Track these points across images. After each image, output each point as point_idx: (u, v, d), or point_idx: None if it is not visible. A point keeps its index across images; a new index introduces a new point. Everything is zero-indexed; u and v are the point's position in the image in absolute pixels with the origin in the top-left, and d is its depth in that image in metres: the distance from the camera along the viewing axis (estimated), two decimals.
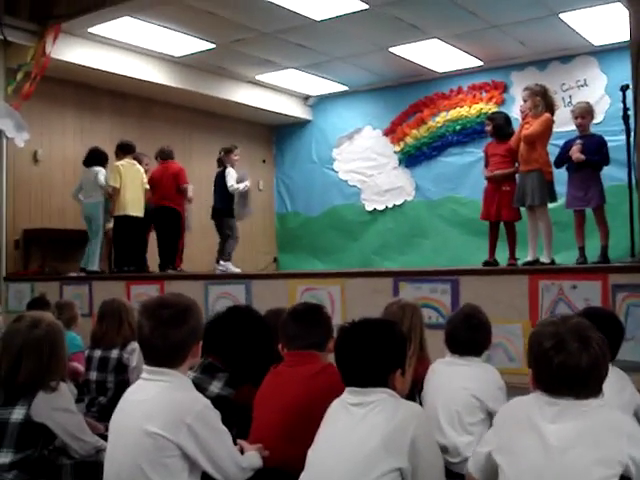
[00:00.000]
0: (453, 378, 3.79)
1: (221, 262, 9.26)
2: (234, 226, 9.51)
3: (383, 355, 2.75)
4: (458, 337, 3.91)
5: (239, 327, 3.76)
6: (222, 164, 9.62)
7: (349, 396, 2.76)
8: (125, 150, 9.31)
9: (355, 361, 2.76)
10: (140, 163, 9.47)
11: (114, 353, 5.11)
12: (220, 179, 9.50)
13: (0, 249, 9.41)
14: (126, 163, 9.17)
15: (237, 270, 9.21)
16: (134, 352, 4.98)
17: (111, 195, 9.12)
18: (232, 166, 9.54)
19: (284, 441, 3.12)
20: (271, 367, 3.53)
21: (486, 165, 7.59)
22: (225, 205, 9.44)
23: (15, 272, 9.64)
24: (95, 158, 9.38)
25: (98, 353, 5.19)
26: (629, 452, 2.29)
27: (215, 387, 3.47)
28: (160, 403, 2.67)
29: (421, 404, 3.84)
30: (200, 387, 3.13)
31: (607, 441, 2.32)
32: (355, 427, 2.65)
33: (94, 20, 8.84)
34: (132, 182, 9.14)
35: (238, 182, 9.36)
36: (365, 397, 2.69)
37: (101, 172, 9.21)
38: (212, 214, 9.63)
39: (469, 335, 3.89)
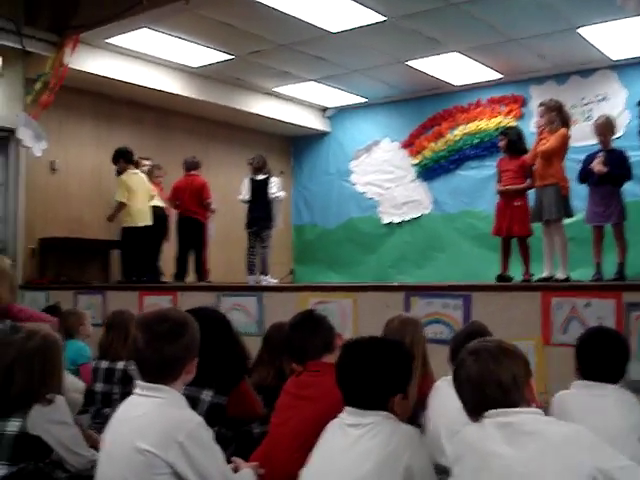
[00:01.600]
0: (456, 397, 3.71)
1: (264, 277, 9.15)
2: (271, 237, 9.42)
3: (385, 378, 2.70)
4: None
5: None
6: (261, 172, 9.37)
7: (347, 416, 2.71)
8: (128, 158, 9.38)
9: (355, 381, 2.72)
10: (137, 167, 9.56)
11: (120, 365, 5.10)
12: (262, 187, 9.29)
13: (16, 257, 9.42)
14: (131, 174, 9.24)
15: (275, 281, 9.29)
16: None
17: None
18: None
19: (298, 452, 3.06)
20: (292, 376, 3.52)
21: (499, 180, 7.54)
22: (266, 215, 9.30)
23: (31, 280, 9.67)
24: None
25: (105, 364, 5.19)
26: (595, 465, 2.21)
27: (207, 396, 3.41)
28: (152, 420, 2.63)
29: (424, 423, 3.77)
30: (191, 399, 3.07)
31: (570, 458, 2.24)
32: (350, 449, 2.60)
33: (112, 31, 8.87)
34: (138, 192, 9.20)
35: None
36: (362, 419, 2.65)
37: None
38: (250, 224, 9.39)
39: None
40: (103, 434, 2.81)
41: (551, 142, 6.90)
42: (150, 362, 2.73)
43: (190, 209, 9.56)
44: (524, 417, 2.35)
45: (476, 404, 2.44)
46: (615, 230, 6.91)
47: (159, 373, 2.73)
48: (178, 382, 2.79)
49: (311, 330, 3.53)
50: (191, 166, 9.78)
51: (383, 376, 2.69)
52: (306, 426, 3.13)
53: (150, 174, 9.79)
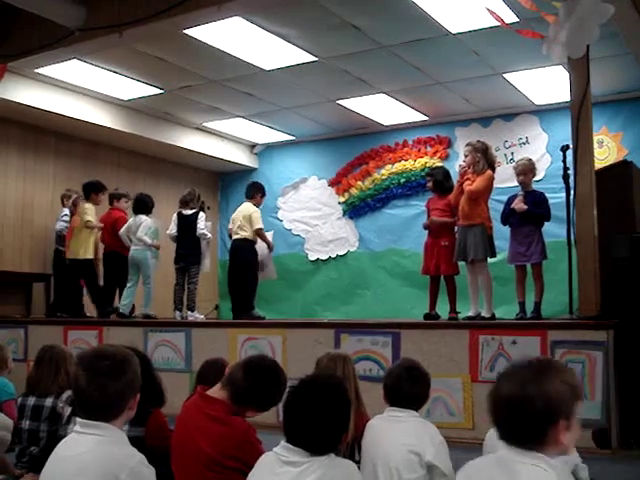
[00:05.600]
0: (391, 434, 3.73)
1: (190, 313, 8.88)
2: (199, 273, 9.15)
3: (337, 422, 2.72)
4: (400, 390, 3.86)
5: None
6: (188, 206, 9.16)
7: (282, 451, 2.70)
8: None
9: (308, 426, 2.68)
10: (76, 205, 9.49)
11: (48, 401, 4.94)
12: (190, 222, 9.04)
13: None
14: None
15: (202, 317, 9.08)
16: (69, 401, 4.84)
17: None
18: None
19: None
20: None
21: (428, 218, 7.68)
22: (194, 251, 9.03)
23: None
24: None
25: (32, 401, 5.02)
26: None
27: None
28: (94, 458, 2.56)
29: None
30: None
31: None
32: None
33: (42, 61, 8.69)
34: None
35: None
36: (298, 456, 2.65)
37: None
38: (178, 259, 9.15)
39: (411, 387, 3.84)
40: (41, 474, 2.73)
41: (477, 183, 7.06)
42: (93, 400, 2.66)
43: (112, 243, 9.34)
44: None
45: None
46: (534, 270, 7.09)
47: (102, 411, 2.66)
48: (119, 419, 2.73)
49: None
50: (112, 198, 9.65)
51: (335, 420, 2.71)
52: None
53: (75, 206, 9.62)
